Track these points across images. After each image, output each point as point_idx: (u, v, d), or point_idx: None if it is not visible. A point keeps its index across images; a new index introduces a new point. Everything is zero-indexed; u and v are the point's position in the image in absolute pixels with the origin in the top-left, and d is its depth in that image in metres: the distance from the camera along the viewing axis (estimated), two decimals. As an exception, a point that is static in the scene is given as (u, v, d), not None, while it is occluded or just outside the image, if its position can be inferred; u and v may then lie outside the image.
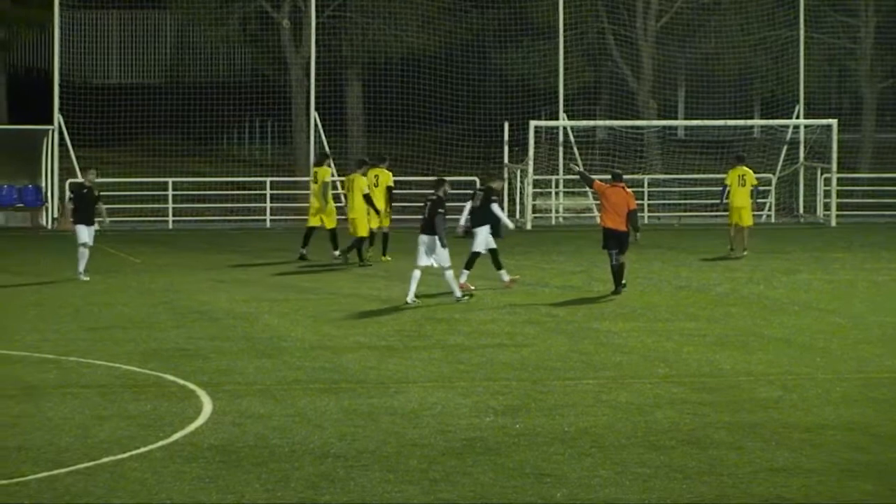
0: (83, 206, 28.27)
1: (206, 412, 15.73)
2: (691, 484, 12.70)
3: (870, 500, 12.32)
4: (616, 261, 26.18)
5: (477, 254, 26.79)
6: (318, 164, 33.71)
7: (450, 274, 25.18)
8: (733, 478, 12.91)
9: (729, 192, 34.02)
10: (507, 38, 49.75)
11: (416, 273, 24.87)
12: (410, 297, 24.75)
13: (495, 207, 27.17)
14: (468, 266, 26.65)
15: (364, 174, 31.77)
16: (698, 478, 12.92)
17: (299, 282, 29.23)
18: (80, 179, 32.64)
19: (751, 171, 34.34)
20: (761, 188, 35.41)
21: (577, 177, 31.00)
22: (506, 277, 27.09)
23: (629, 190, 26.83)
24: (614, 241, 26.15)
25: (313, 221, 32.69)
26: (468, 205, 27.14)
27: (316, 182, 32.88)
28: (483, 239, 26.81)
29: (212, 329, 22.59)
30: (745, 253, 33.30)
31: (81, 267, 28.07)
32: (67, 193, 28.48)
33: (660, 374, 18.44)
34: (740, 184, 33.69)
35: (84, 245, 27.93)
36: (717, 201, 35.95)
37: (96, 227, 28.64)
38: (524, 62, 49.21)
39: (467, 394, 16.98)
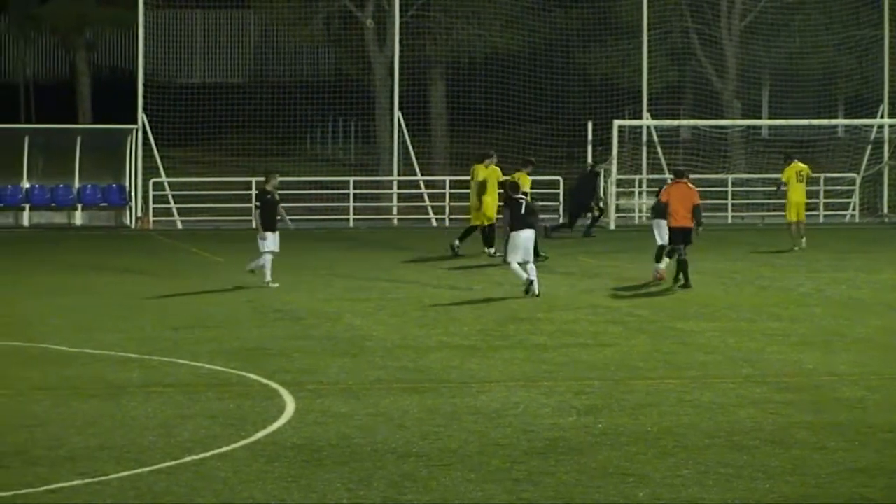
0: (268, 212, 27.52)
1: (288, 411, 15.77)
2: (774, 484, 12.59)
3: (955, 501, 12.11)
4: (682, 255, 26.37)
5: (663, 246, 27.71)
6: (480, 160, 33.94)
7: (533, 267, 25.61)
8: (816, 478, 12.78)
9: (787, 188, 34.48)
10: (590, 37, 49.59)
11: (516, 266, 25.36)
12: (536, 288, 25.33)
13: None
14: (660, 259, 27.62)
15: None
16: (781, 478, 12.81)
17: (381, 280, 29.27)
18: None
19: (807, 167, 34.58)
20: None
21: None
22: (662, 267, 27.46)
23: (692, 186, 27.04)
24: (681, 237, 26.53)
25: (476, 220, 33.06)
26: None
27: (474, 179, 33.27)
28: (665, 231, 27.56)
29: (294, 328, 22.70)
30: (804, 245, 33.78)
31: (269, 275, 27.30)
32: (253, 202, 28.23)
33: (743, 374, 18.30)
34: (798, 179, 34.05)
35: (272, 253, 27.23)
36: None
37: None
38: (608, 61, 49.04)
39: (550, 394, 16.91)
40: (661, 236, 27.79)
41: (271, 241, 27.08)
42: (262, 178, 27.86)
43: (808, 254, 33.66)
